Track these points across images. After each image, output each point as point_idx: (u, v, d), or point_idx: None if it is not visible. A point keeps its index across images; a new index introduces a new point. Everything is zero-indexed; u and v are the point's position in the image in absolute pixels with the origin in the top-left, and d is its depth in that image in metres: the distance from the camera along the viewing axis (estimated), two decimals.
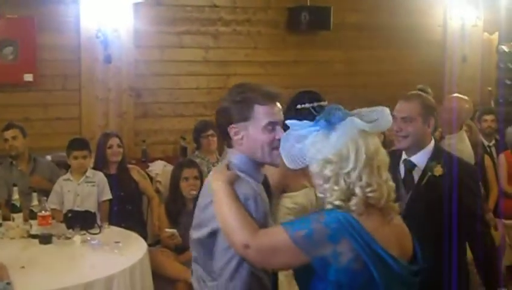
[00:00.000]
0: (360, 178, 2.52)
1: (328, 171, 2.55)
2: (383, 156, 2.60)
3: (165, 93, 8.86)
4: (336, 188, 2.54)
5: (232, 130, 2.87)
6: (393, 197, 2.61)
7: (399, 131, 3.91)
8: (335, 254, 2.49)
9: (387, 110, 2.77)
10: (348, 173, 2.52)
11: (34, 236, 5.39)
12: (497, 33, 11.10)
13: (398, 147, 3.99)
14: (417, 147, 3.91)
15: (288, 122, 2.71)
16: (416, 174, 3.88)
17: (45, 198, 5.80)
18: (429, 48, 10.72)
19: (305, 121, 2.65)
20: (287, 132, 2.70)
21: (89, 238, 5.40)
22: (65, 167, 6.64)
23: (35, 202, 5.60)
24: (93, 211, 5.91)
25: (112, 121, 8.40)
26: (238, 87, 2.95)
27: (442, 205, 3.68)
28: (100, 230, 5.65)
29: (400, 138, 3.94)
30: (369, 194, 2.53)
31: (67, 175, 6.28)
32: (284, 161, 2.68)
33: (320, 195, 2.62)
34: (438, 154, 3.88)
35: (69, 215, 5.72)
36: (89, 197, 6.16)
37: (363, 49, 10.22)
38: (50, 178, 6.68)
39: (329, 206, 2.57)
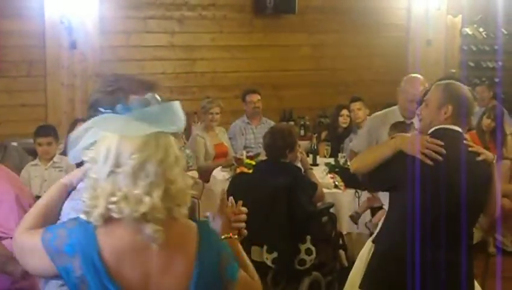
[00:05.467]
0: (105, 186, 2.19)
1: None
2: (155, 164, 2.18)
3: None
4: (85, 194, 2.23)
5: None
6: (142, 210, 2.16)
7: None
8: (70, 268, 2.23)
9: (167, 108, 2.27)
10: (96, 180, 2.20)
11: None
12: (460, 16, 11.21)
13: None
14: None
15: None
16: None
17: None
18: (393, 31, 10.80)
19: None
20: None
21: None
22: (32, 153, 6.62)
23: None
24: None
25: (78, 107, 8.38)
26: (109, 78, 2.64)
27: None
28: None
29: None
30: (110, 206, 2.17)
31: (35, 161, 6.28)
32: None
33: None
34: None
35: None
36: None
37: (328, 32, 10.28)
38: (20, 165, 6.64)
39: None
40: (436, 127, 3.78)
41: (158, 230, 2.17)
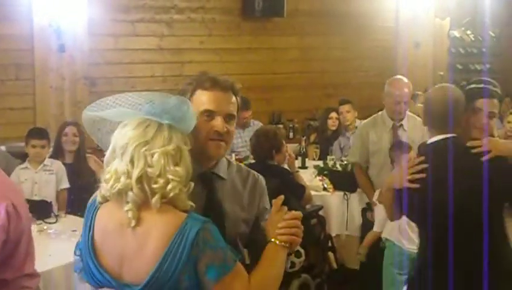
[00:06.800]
0: (106, 168, 2.44)
1: None
2: (135, 145, 2.36)
3: (120, 82, 8.84)
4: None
5: None
6: (118, 186, 2.36)
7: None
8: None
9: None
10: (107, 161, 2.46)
11: None
12: (448, 19, 11.26)
13: None
14: None
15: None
16: None
17: None
18: (382, 34, 10.83)
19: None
20: None
21: (45, 227, 5.39)
22: (21, 157, 6.59)
23: None
24: (49, 200, 5.89)
25: (67, 111, 8.36)
26: (197, 73, 2.85)
27: None
28: (57, 219, 5.64)
29: None
30: (103, 184, 2.43)
31: (25, 164, 6.23)
32: None
33: None
34: None
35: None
36: (47, 185, 6.13)
37: (317, 35, 10.30)
38: (6, 168, 6.61)
39: None
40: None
41: (133, 211, 2.34)
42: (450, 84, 3.79)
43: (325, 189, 6.69)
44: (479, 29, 11.41)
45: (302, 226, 2.63)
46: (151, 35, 9.23)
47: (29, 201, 5.73)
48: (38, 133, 6.32)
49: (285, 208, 2.64)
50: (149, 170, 2.33)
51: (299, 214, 2.63)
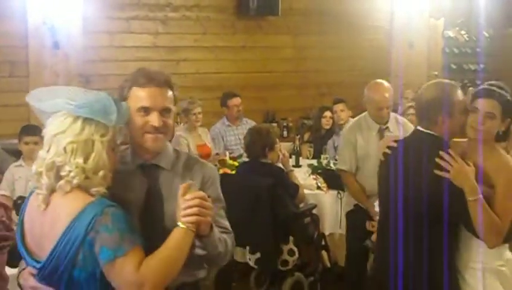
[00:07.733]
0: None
1: None
2: (50, 136, 2.62)
3: (115, 80, 8.78)
4: None
5: None
6: (34, 169, 2.60)
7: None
8: None
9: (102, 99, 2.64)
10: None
11: None
12: (442, 19, 11.28)
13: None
14: None
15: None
16: None
17: None
18: (376, 33, 10.85)
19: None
20: None
21: None
22: (15, 154, 6.57)
23: None
24: None
25: None
26: (135, 70, 2.91)
27: None
28: None
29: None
30: None
31: (19, 162, 6.22)
32: None
33: None
34: None
35: (19, 202, 5.68)
36: None
37: (311, 34, 10.32)
38: (0, 166, 6.60)
39: None
40: None
41: (43, 195, 2.56)
42: (446, 82, 3.73)
43: (318, 188, 6.69)
44: (473, 29, 11.45)
45: (211, 205, 2.64)
46: (145, 33, 9.22)
47: (22, 198, 5.76)
48: (31, 129, 6.30)
49: (192, 190, 2.64)
50: (57, 158, 2.53)
51: (200, 193, 2.63)
